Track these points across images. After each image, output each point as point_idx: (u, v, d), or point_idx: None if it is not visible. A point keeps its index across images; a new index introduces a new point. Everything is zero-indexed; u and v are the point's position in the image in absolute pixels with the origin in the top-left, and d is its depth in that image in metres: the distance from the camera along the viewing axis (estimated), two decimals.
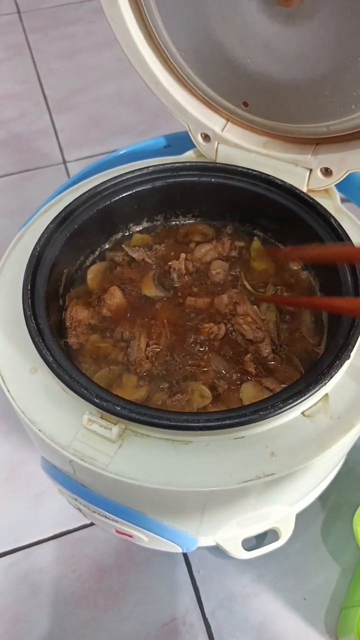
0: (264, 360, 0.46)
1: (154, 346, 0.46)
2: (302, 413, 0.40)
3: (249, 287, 0.51)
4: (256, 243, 0.55)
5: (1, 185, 0.96)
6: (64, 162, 1.00)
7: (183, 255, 0.53)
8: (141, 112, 1.08)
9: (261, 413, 0.37)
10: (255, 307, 0.48)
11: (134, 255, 0.53)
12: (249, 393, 0.43)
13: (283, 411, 0.37)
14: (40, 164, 1.00)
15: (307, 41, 0.42)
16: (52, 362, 0.39)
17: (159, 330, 0.47)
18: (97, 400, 0.37)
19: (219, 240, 0.55)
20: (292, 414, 0.39)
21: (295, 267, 0.53)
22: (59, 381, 0.39)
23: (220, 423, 0.36)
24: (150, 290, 0.51)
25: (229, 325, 0.48)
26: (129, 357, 0.46)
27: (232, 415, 0.37)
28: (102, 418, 0.38)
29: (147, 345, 0.47)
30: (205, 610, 0.56)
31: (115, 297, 0.50)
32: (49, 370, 0.39)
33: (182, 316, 0.49)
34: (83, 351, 0.47)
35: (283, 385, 0.43)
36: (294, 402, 0.37)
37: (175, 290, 0.51)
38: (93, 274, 0.52)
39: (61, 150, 1.02)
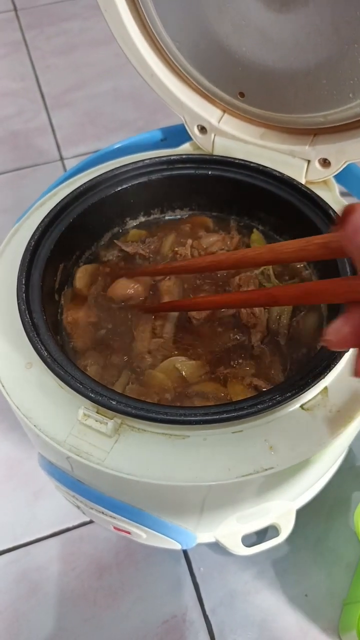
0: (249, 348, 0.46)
1: (158, 339, 0.46)
2: (301, 406, 0.39)
3: (272, 275, 0.51)
4: (255, 235, 0.54)
5: None
6: (61, 159, 1.00)
7: (189, 241, 0.52)
8: (139, 108, 1.08)
9: (259, 407, 0.36)
10: None
11: (127, 249, 0.52)
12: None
13: (281, 404, 0.37)
14: (37, 161, 0.99)
15: (303, 29, 0.41)
16: (46, 357, 0.39)
17: (162, 322, 0.47)
18: (92, 395, 0.36)
19: (229, 233, 0.55)
20: (290, 408, 0.39)
21: (298, 265, 0.52)
22: (54, 376, 0.38)
23: (217, 417, 0.36)
24: None
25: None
26: (132, 351, 0.45)
27: (230, 409, 0.36)
28: (97, 413, 0.38)
29: (152, 337, 0.46)
30: (206, 607, 0.55)
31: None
32: (44, 365, 0.39)
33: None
34: (88, 353, 0.47)
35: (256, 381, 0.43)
36: (292, 395, 0.37)
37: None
38: (81, 273, 0.52)
39: (58, 147, 1.02)
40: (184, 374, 0.44)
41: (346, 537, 0.58)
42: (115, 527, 0.47)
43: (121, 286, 0.50)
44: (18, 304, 0.41)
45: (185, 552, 0.58)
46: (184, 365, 0.44)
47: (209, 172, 0.52)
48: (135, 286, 0.49)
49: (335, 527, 0.59)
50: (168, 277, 0.50)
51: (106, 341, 0.47)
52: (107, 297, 0.50)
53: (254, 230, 0.55)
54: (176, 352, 0.46)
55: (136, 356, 0.45)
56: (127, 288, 0.49)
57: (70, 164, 0.99)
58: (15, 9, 1.34)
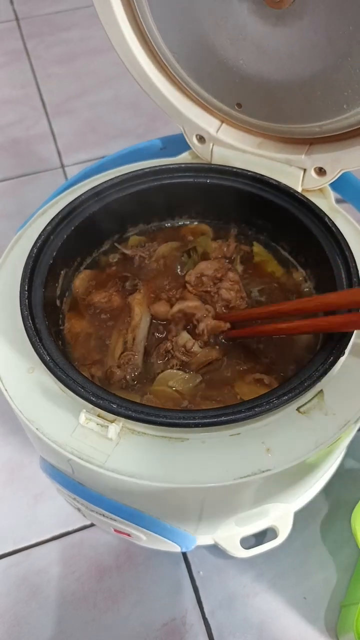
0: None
1: (128, 352, 0.46)
2: (298, 409, 0.40)
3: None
4: (257, 248, 0.55)
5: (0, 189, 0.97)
6: (62, 166, 1.01)
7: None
8: (138, 116, 1.09)
9: (256, 410, 0.37)
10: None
11: (127, 252, 0.53)
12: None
13: (278, 408, 0.37)
14: (38, 168, 1.01)
15: (298, 42, 0.42)
16: (49, 362, 0.39)
17: (134, 335, 0.47)
18: (93, 399, 0.37)
19: (226, 241, 0.56)
20: (287, 410, 0.39)
21: (299, 278, 0.53)
22: (56, 380, 0.39)
23: (216, 420, 0.37)
24: None
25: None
26: (104, 366, 0.46)
27: (228, 412, 0.37)
28: (99, 416, 0.38)
29: (123, 351, 0.46)
30: (205, 610, 0.56)
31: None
32: (46, 370, 0.40)
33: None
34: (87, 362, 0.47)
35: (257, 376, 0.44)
36: (288, 398, 0.37)
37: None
38: (80, 279, 0.52)
39: (59, 154, 1.03)
40: (178, 388, 0.44)
41: (344, 540, 0.59)
42: (115, 530, 0.48)
43: (97, 295, 0.51)
44: (21, 309, 0.42)
45: (184, 555, 0.59)
46: (175, 378, 0.45)
47: (208, 181, 0.54)
48: (109, 297, 0.50)
49: (333, 529, 0.60)
50: (138, 291, 0.50)
51: (95, 351, 0.48)
52: (93, 305, 0.51)
53: (254, 243, 0.56)
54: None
55: (107, 370, 0.46)
56: (102, 297, 0.51)
57: (71, 171, 1.00)
58: (16, 19, 1.36)
